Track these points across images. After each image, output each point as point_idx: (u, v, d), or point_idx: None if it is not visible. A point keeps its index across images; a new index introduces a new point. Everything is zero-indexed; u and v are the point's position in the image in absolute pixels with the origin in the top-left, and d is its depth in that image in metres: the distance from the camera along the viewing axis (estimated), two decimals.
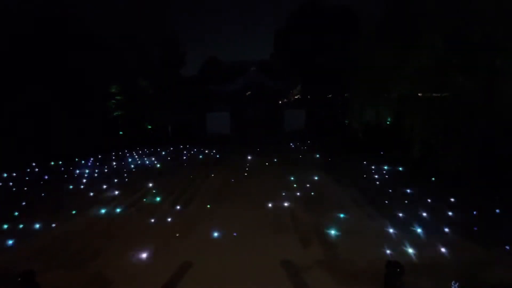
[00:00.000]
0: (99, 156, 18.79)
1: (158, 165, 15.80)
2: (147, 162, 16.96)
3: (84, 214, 9.16)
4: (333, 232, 7.41)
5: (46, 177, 13.81)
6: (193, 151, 20.09)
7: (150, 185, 11.92)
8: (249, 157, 17.03)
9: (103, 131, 21.97)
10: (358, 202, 9.64)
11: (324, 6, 34.68)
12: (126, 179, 13.10)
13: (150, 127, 24.85)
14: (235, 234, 7.40)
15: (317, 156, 17.06)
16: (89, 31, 21.32)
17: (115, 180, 12.87)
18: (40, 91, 18.41)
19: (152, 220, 8.41)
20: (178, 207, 9.47)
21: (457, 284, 4.63)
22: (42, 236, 7.75)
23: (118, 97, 23.20)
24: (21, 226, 8.30)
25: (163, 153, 19.77)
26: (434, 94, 11.27)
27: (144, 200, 10.34)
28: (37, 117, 18.65)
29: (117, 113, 23.26)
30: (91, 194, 11.06)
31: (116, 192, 11.12)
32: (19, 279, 4.35)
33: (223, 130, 27.04)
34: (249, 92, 26.92)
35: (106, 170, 15.06)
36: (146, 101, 23.46)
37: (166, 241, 7.18)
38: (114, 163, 16.69)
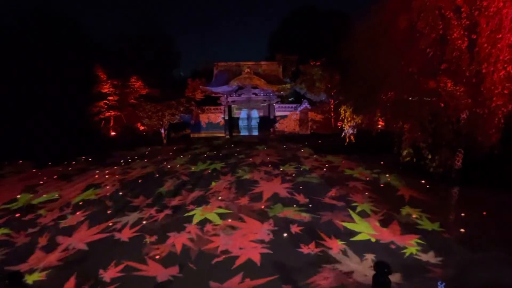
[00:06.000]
0: None
1: None
2: None
3: None
4: None
5: None
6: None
7: None
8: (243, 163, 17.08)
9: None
10: None
11: (318, 11, 35.12)
12: None
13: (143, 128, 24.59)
14: None
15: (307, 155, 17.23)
16: (81, 30, 21.07)
17: None
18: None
19: None
20: None
21: (444, 284, 4.71)
22: None
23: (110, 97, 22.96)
24: None
25: None
26: (425, 99, 11.46)
27: None
28: None
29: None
30: None
31: None
32: (6, 280, 4.30)
33: (217, 132, 27.21)
34: (243, 94, 26.97)
35: None
36: (139, 101, 23.20)
37: None
38: None
